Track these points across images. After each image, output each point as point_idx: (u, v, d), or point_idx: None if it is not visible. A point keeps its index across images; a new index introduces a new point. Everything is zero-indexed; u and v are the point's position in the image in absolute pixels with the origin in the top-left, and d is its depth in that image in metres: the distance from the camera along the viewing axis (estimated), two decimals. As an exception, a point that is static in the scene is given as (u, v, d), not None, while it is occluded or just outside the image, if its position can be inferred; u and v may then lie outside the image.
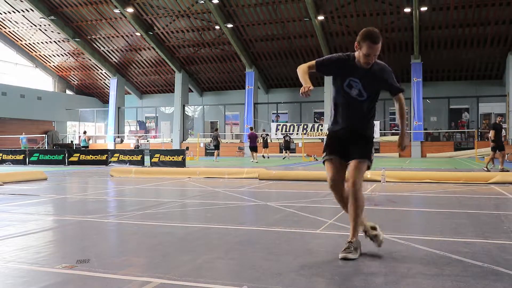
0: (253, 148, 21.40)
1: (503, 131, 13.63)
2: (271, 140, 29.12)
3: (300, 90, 3.37)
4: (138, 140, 30.97)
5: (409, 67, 28.23)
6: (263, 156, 25.11)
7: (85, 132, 27.29)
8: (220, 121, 36.04)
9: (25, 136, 30.11)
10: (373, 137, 3.72)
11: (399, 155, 27.28)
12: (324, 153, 3.66)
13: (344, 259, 3.34)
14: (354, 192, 3.45)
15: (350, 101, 3.56)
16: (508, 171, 11.91)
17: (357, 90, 3.51)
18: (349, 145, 3.58)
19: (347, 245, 3.44)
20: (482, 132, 29.25)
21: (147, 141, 35.64)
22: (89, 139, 26.10)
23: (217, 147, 22.06)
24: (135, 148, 27.91)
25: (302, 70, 3.56)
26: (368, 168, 3.60)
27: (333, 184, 3.57)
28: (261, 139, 25.91)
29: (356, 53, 3.49)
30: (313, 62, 3.60)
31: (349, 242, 3.46)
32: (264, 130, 23.97)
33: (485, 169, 12.96)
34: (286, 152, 24.29)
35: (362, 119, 3.62)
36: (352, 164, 3.51)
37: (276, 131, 29.86)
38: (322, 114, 31.14)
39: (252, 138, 21.77)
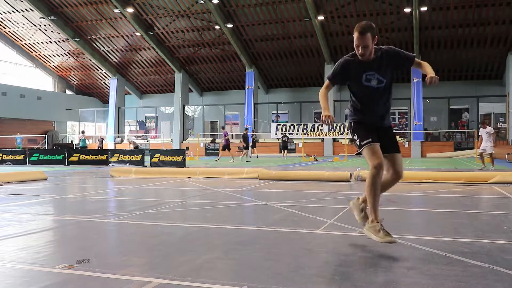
0: (226, 147, 21.73)
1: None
2: (263, 140, 29.61)
3: (322, 119, 3.66)
4: (133, 142, 31.11)
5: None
6: (257, 156, 25.49)
7: (83, 132, 27.32)
8: (220, 121, 36.05)
9: (20, 136, 30.09)
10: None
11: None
12: (366, 139, 3.68)
13: (390, 242, 3.50)
14: (396, 182, 3.92)
15: (372, 92, 3.70)
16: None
17: (376, 80, 3.66)
18: (382, 136, 3.77)
19: (380, 227, 3.58)
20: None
21: (147, 141, 35.64)
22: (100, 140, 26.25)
23: (246, 147, 22.36)
24: (134, 148, 27.94)
25: (321, 95, 3.78)
26: None
27: (380, 169, 3.67)
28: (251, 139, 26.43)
29: None
30: (327, 81, 3.82)
31: (381, 225, 3.61)
32: (246, 130, 24.31)
33: (492, 168, 13.00)
34: (283, 152, 24.84)
35: (385, 107, 3.79)
36: (398, 157, 3.91)
37: (276, 131, 29.87)
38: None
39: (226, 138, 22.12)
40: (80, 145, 25.28)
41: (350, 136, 4.01)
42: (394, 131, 3.94)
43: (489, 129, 13.95)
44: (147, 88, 38.11)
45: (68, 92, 39.11)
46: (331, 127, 4.34)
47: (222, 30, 27.92)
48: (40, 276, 3.00)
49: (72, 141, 36.23)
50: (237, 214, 5.90)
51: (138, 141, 36.08)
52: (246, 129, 24.83)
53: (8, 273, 3.09)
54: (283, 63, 31.35)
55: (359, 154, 4.07)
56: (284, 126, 29.84)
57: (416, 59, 3.78)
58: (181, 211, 6.18)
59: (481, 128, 14.15)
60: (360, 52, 3.57)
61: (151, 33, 29.64)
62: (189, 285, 2.78)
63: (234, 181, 10.42)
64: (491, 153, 13.88)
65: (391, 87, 3.79)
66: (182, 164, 15.69)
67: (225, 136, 22.17)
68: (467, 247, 3.76)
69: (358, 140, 3.75)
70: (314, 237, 4.26)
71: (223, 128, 23.75)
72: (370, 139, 3.67)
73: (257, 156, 26.21)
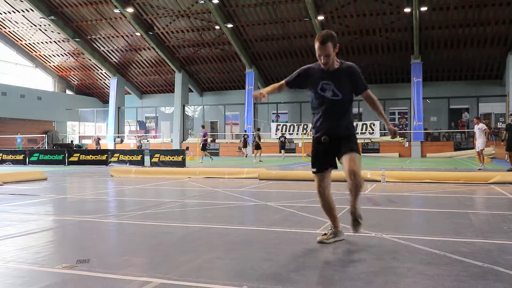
0: (204, 147, 21.76)
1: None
2: (263, 140, 29.71)
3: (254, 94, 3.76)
4: (140, 140, 30.98)
5: (409, 67, 28.23)
6: (252, 156, 25.75)
7: (99, 139, 27.72)
8: (220, 121, 36.05)
9: (21, 136, 30.08)
10: (355, 133, 3.95)
11: (399, 155, 27.29)
12: (314, 168, 3.87)
13: (356, 231, 3.82)
14: (358, 179, 3.67)
15: (327, 103, 3.72)
16: None
17: (331, 91, 3.69)
18: (335, 147, 3.78)
19: (353, 217, 3.80)
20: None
21: (147, 141, 35.64)
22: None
23: (257, 147, 22.31)
24: (137, 148, 27.93)
25: (272, 85, 3.97)
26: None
27: (319, 194, 3.90)
28: (242, 139, 26.60)
29: None
30: (283, 81, 3.94)
31: (352, 213, 3.79)
32: (258, 129, 24.33)
33: (480, 167, 13.05)
34: (281, 152, 25.03)
35: (341, 119, 3.78)
36: (346, 156, 3.68)
37: (276, 131, 29.87)
38: (322, 114, 31.08)
39: (204, 138, 22.08)
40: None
41: None
42: (355, 136, 3.93)
43: (481, 125, 14.05)
44: (147, 88, 38.11)
45: (68, 92, 39.11)
46: (256, 101, 4.35)
47: (222, 30, 27.91)
48: (40, 276, 3.00)
49: (72, 141, 36.24)
50: (237, 214, 5.90)
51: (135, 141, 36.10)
52: (258, 129, 24.80)
53: (8, 273, 3.09)
54: (283, 63, 31.35)
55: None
56: (284, 126, 29.85)
57: (368, 91, 3.81)
58: (181, 211, 6.18)
59: (475, 125, 14.23)
60: (322, 61, 3.63)
61: (151, 33, 29.64)
62: (189, 285, 2.78)
63: (234, 181, 10.42)
64: (481, 150, 13.93)
65: (350, 103, 3.82)
66: (182, 164, 15.69)
67: (204, 136, 22.07)
68: (467, 247, 3.76)
69: (311, 162, 3.93)
70: (314, 237, 4.26)
71: (203, 127, 23.52)
72: (316, 168, 3.85)
73: (246, 156, 26.41)
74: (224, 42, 29.77)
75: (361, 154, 3.90)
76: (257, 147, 22.28)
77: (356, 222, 3.80)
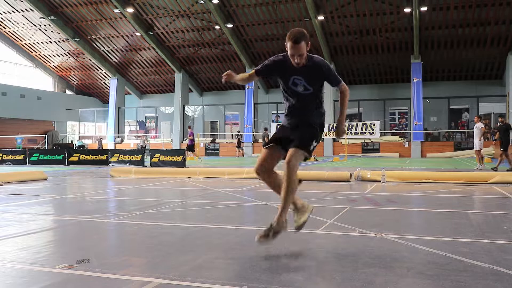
0: (190, 147, 21.67)
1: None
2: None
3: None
4: (144, 140, 30.92)
5: (409, 67, 28.23)
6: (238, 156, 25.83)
7: (101, 139, 27.59)
8: (220, 121, 36.04)
9: (21, 136, 30.06)
10: (320, 123, 3.81)
11: (399, 155, 27.29)
12: (268, 144, 3.76)
13: (259, 241, 3.47)
14: (288, 172, 3.50)
15: (298, 96, 3.72)
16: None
17: (302, 86, 3.67)
18: (292, 132, 3.71)
19: (267, 228, 3.52)
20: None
21: (147, 141, 35.64)
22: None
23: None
24: (141, 148, 27.88)
25: (242, 74, 3.94)
26: (305, 159, 3.66)
27: (259, 172, 3.71)
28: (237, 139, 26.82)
29: None
30: (253, 71, 3.88)
31: (270, 225, 3.52)
32: (265, 129, 24.24)
33: (478, 167, 13.11)
34: None
35: (311, 110, 3.77)
36: (289, 151, 3.58)
37: (276, 131, 29.78)
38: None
39: (191, 138, 21.94)
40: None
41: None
42: (317, 127, 3.77)
43: (478, 124, 14.07)
44: (147, 88, 38.11)
45: (68, 92, 39.11)
46: (226, 79, 4.28)
47: (222, 30, 27.91)
48: (40, 276, 3.00)
49: (72, 141, 36.24)
50: (237, 214, 5.90)
51: (139, 141, 36.08)
52: (266, 128, 24.72)
53: (8, 273, 3.09)
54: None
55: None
56: (284, 126, 29.79)
57: (341, 85, 3.79)
58: (181, 211, 6.18)
59: (475, 123, 14.29)
60: (296, 61, 3.57)
61: (151, 33, 29.64)
62: (189, 285, 2.78)
63: (234, 181, 10.42)
64: (477, 150, 13.97)
65: (320, 93, 3.79)
66: (182, 164, 15.69)
67: (190, 136, 21.98)
68: (467, 247, 3.76)
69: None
70: (314, 237, 4.26)
71: (190, 127, 23.36)
72: (270, 144, 3.72)
73: (241, 156, 26.39)
74: (224, 42, 29.77)
75: (309, 156, 3.69)
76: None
77: (267, 231, 3.49)
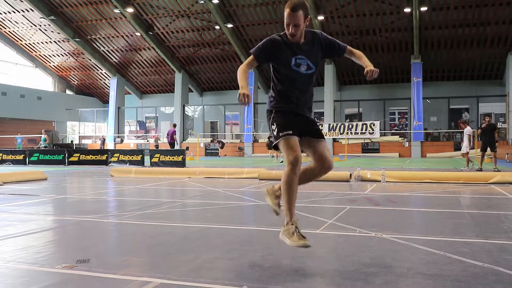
0: (171, 145, 21.59)
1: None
2: (263, 140, 29.90)
3: (239, 97, 3.19)
4: (156, 139, 30.93)
5: (409, 67, 28.23)
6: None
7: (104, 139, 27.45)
8: (220, 121, 36.03)
9: (21, 136, 30.04)
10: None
11: (399, 155, 27.28)
12: (285, 131, 3.33)
13: (304, 246, 3.11)
14: (327, 165, 3.45)
15: (300, 78, 3.39)
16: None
17: (306, 65, 3.38)
18: (305, 125, 3.47)
19: (294, 229, 3.21)
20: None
21: (147, 141, 35.63)
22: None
23: (276, 147, 21.98)
24: (155, 147, 27.87)
25: (241, 71, 3.38)
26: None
27: (297, 164, 3.30)
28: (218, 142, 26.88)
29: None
30: (251, 56, 3.44)
31: (296, 227, 3.23)
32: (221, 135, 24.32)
33: (462, 168, 13.23)
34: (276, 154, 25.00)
35: (310, 95, 3.54)
36: (323, 144, 3.47)
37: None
38: (322, 114, 31.14)
39: (170, 135, 21.70)
40: (42, 146, 23.88)
41: (269, 127, 3.58)
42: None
43: (467, 129, 14.38)
44: (147, 88, 38.10)
45: (68, 92, 39.11)
46: (247, 106, 4.16)
47: (222, 30, 27.91)
48: (40, 276, 3.00)
49: (72, 141, 36.24)
50: (237, 214, 5.90)
51: (138, 141, 36.09)
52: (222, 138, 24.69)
53: (8, 273, 3.09)
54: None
55: (275, 147, 3.55)
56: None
57: (348, 47, 3.55)
58: (181, 211, 6.18)
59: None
60: (290, 31, 3.26)
61: (151, 33, 29.64)
62: (189, 285, 2.78)
63: (234, 181, 10.42)
64: (464, 153, 14.28)
65: (316, 74, 3.53)
66: (182, 164, 15.69)
67: (171, 134, 21.70)
68: (467, 247, 3.76)
69: (276, 130, 3.39)
70: (314, 237, 4.26)
71: (174, 126, 23.03)
72: (290, 131, 3.31)
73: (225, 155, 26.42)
74: (224, 42, 29.76)
75: (280, 146, 3.47)
76: (276, 147, 22.00)
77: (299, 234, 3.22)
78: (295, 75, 3.38)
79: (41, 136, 34.13)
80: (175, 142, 21.52)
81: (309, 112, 3.53)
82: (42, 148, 21.39)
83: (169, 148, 20.43)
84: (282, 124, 3.37)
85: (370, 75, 3.39)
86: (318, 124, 3.59)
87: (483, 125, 13.84)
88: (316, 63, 3.43)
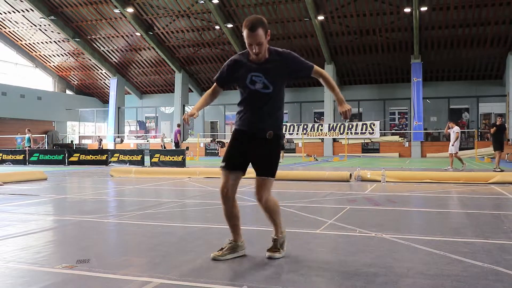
0: (177, 145, 21.61)
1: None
2: None
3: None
4: (163, 139, 30.94)
5: (409, 67, 28.24)
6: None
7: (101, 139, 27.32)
8: (220, 121, 36.03)
9: (21, 136, 30.03)
10: (281, 134, 3.43)
11: (399, 155, 27.29)
12: (223, 162, 3.42)
13: (270, 258, 3.39)
14: (265, 207, 3.46)
15: (254, 95, 3.30)
16: (502, 170, 11.95)
17: (262, 83, 3.27)
18: (251, 152, 3.37)
19: (273, 243, 3.49)
20: (482, 132, 29.27)
21: (147, 141, 35.63)
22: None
23: (282, 147, 22.02)
24: (162, 147, 27.83)
25: (204, 95, 3.56)
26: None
27: (223, 195, 3.44)
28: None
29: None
30: (214, 83, 3.50)
31: (275, 240, 3.50)
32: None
33: (498, 169, 12.91)
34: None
35: (269, 116, 3.34)
36: (259, 181, 3.36)
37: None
38: (322, 114, 31.16)
39: (175, 135, 21.70)
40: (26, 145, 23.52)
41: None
42: (280, 138, 3.38)
43: (455, 128, 14.28)
44: (147, 88, 38.11)
45: (68, 92, 39.11)
46: (186, 123, 4.17)
47: (222, 30, 27.91)
48: (40, 276, 3.00)
49: (72, 141, 36.24)
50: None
51: (138, 141, 36.07)
52: None
53: (8, 273, 3.09)
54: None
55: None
56: (284, 126, 29.85)
57: (315, 68, 3.36)
58: (181, 211, 6.18)
59: (450, 128, 14.49)
60: (254, 51, 3.20)
61: (151, 33, 29.64)
62: (189, 285, 2.78)
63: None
64: (452, 154, 14.24)
65: (280, 95, 3.35)
66: (182, 164, 15.69)
67: (177, 133, 21.69)
68: (467, 247, 3.76)
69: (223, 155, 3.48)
70: (314, 237, 4.26)
71: (178, 126, 22.97)
72: (224, 164, 3.39)
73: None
74: (224, 42, 29.77)
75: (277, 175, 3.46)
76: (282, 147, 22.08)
77: (275, 249, 3.45)
78: (249, 92, 3.31)
79: (42, 136, 34.21)
80: (178, 142, 21.60)
81: (265, 132, 3.31)
82: (26, 148, 21.29)
83: (174, 148, 20.41)
84: (226, 152, 3.47)
85: (344, 116, 3.30)
86: (272, 151, 3.39)
87: (498, 123, 13.64)
88: (274, 83, 3.27)
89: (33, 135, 29.29)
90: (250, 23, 3.16)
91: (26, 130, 23.23)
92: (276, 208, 3.52)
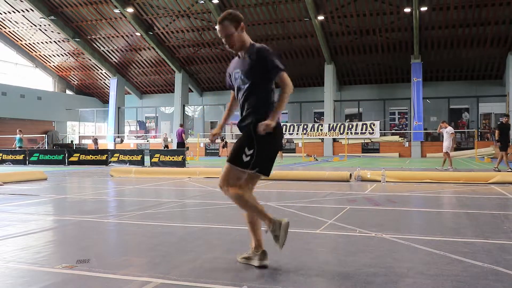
0: (180, 145, 21.45)
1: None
2: None
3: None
4: (166, 139, 30.89)
5: (409, 67, 28.23)
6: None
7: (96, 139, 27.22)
8: (220, 121, 35.99)
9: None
10: (261, 120, 3.18)
11: (399, 155, 27.29)
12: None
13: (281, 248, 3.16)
14: (232, 198, 3.26)
15: (238, 91, 3.36)
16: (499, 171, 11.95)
17: (240, 79, 3.30)
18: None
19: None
20: (482, 132, 29.27)
21: (147, 141, 35.62)
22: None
23: (280, 147, 21.91)
24: (164, 147, 27.79)
25: (227, 105, 3.60)
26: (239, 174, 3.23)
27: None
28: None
29: None
30: (231, 92, 3.54)
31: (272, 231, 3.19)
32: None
33: (439, 167, 13.19)
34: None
35: (251, 107, 3.25)
36: (224, 167, 3.31)
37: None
38: (322, 114, 31.15)
39: (179, 135, 21.46)
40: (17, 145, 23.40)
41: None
42: (260, 133, 3.12)
43: (448, 129, 14.26)
44: (147, 88, 38.11)
45: (68, 92, 39.11)
46: (213, 143, 4.09)
47: (222, 30, 27.89)
48: (40, 276, 3.00)
49: (72, 141, 36.23)
50: (237, 214, 5.89)
51: (138, 141, 36.06)
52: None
53: (8, 273, 3.09)
54: (283, 63, 31.33)
55: None
56: (284, 126, 29.85)
57: (282, 75, 3.22)
58: (181, 211, 6.18)
59: (443, 128, 14.44)
60: (225, 44, 3.28)
61: (151, 33, 29.64)
62: (189, 285, 2.78)
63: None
64: (445, 152, 14.23)
65: (262, 88, 3.25)
66: (182, 164, 15.69)
67: (182, 133, 21.54)
68: (467, 247, 3.76)
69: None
70: (314, 237, 4.26)
71: (181, 125, 22.79)
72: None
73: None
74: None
75: (236, 166, 3.25)
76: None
77: (275, 238, 3.16)
78: (235, 88, 3.41)
79: (42, 136, 34.20)
80: (184, 142, 21.49)
81: (245, 124, 3.27)
82: (17, 148, 21.30)
83: (176, 148, 20.34)
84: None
85: (259, 129, 3.09)
86: (244, 138, 3.28)
87: (504, 121, 13.40)
88: (248, 77, 3.23)
89: (25, 135, 29.27)
90: (220, 17, 3.23)
91: (17, 130, 23.18)
92: (240, 201, 3.24)
